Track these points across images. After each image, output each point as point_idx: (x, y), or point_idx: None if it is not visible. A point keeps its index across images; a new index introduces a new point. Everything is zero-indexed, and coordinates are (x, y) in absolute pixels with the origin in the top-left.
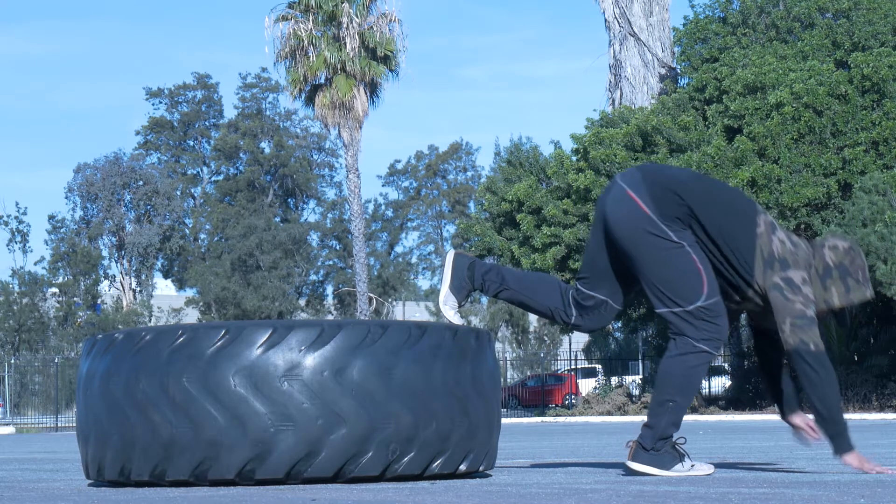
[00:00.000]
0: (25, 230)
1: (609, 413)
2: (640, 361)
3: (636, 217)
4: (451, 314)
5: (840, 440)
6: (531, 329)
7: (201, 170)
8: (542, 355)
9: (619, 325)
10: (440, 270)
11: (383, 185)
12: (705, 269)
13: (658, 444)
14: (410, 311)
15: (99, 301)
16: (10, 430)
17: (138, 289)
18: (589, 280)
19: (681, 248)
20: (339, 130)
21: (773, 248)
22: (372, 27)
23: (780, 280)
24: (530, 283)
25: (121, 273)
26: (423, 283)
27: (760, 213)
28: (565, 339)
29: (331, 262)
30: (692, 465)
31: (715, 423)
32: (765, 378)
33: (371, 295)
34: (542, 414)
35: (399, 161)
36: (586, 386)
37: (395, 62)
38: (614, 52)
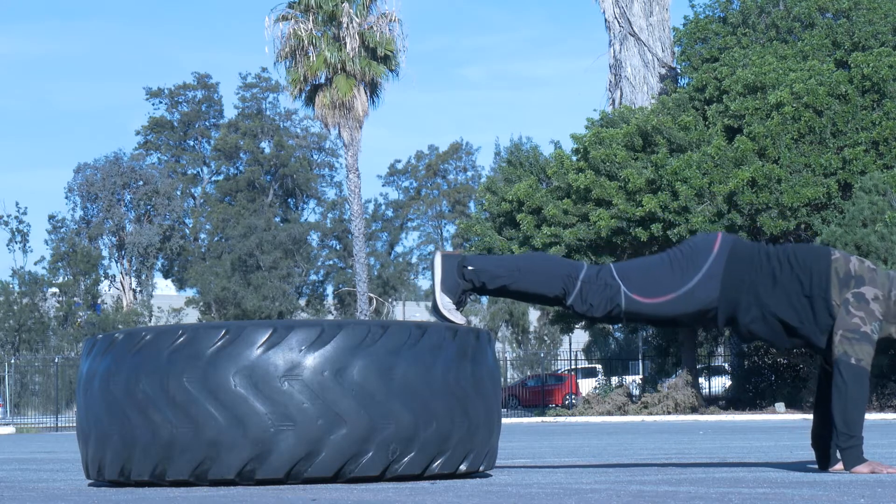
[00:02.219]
0: (25, 230)
1: (609, 413)
2: (640, 361)
3: (704, 244)
4: (449, 315)
5: (852, 453)
6: (531, 329)
7: (201, 170)
8: (542, 355)
9: (620, 324)
10: (430, 275)
11: (383, 185)
12: (670, 300)
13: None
14: (410, 311)
15: (99, 301)
16: (10, 430)
17: (138, 289)
18: (624, 267)
19: (685, 289)
20: (339, 130)
21: (849, 267)
22: (372, 27)
23: (851, 295)
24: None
25: (121, 273)
26: (424, 283)
27: (836, 249)
28: (565, 339)
29: (331, 262)
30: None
31: (715, 423)
32: (816, 416)
33: (371, 295)
34: (543, 414)
35: (399, 161)
36: (586, 386)
37: (395, 62)
38: (614, 52)
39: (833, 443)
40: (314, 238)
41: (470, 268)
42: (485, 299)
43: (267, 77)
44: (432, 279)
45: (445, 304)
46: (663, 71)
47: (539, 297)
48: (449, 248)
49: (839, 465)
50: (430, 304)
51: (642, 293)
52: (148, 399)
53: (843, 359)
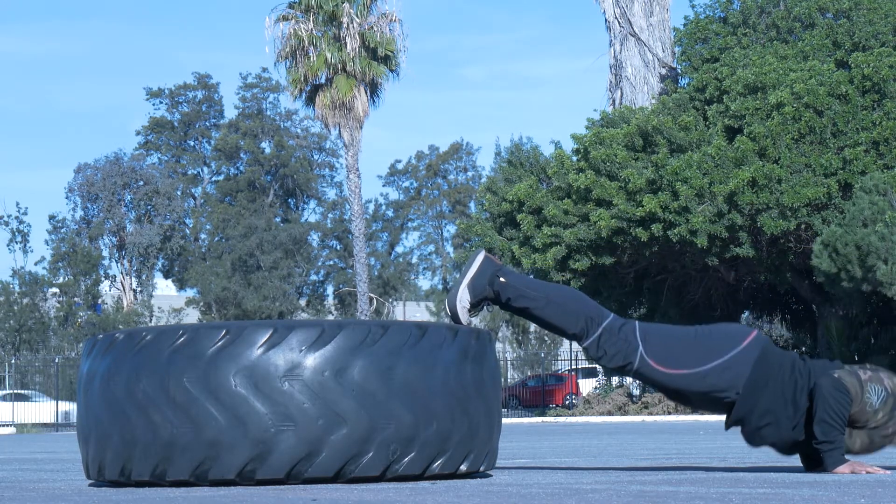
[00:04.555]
0: (26, 230)
1: (609, 413)
2: None
3: (734, 334)
4: (460, 313)
5: (832, 455)
6: (532, 329)
7: (202, 170)
8: (542, 355)
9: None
10: (464, 265)
11: (384, 186)
12: (682, 376)
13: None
14: (411, 312)
15: (99, 301)
16: (11, 430)
17: (139, 289)
18: (648, 329)
19: (698, 370)
20: (339, 130)
21: (859, 373)
22: (372, 27)
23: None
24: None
25: (121, 273)
26: (424, 283)
27: (843, 367)
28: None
29: (331, 263)
30: None
31: (715, 423)
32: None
33: (371, 295)
34: (543, 414)
35: (399, 161)
36: (587, 386)
37: (396, 62)
38: (615, 53)
39: (813, 445)
40: (314, 238)
41: (502, 279)
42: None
43: (267, 77)
44: (463, 273)
45: (463, 299)
46: (664, 71)
47: (557, 329)
48: (491, 254)
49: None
50: (448, 294)
51: (657, 360)
52: (148, 399)
53: (828, 373)
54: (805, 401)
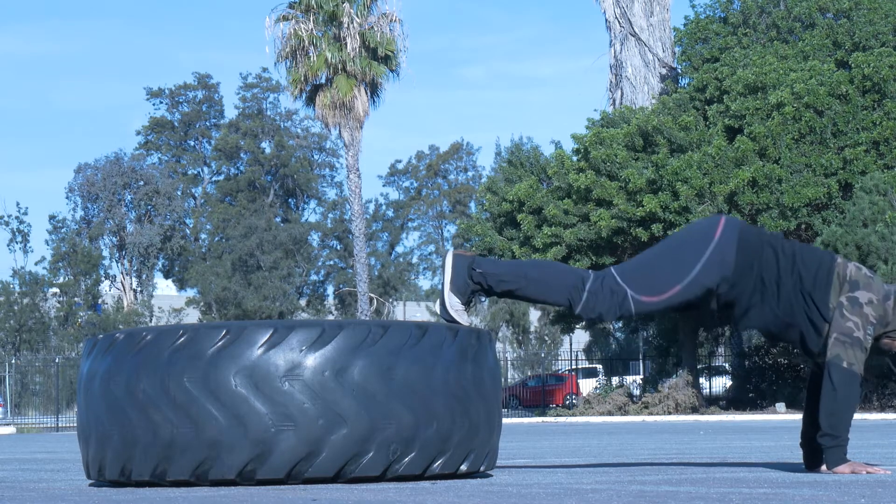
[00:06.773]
0: (26, 230)
1: (610, 413)
2: (640, 361)
3: (704, 230)
4: (456, 316)
5: (835, 453)
6: (532, 329)
7: (202, 170)
8: (542, 355)
9: (620, 325)
10: (440, 272)
11: (384, 185)
12: (677, 292)
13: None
14: (411, 312)
15: (99, 301)
16: (11, 430)
17: (139, 289)
18: (625, 270)
19: (689, 279)
20: (339, 130)
21: (847, 272)
22: (373, 27)
23: (845, 299)
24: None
25: (121, 273)
26: (424, 283)
27: (839, 255)
28: (566, 339)
29: (331, 263)
30: None
31: (715, 423)
32: (806, 416)
33: (372, 295)
34: (543, 414)
35: (400, 161)
36: (587, 386)
37: (396, 62)
38: (615, 52)
39: (818, 440)
40: (315, 238)
41: (478, 271)
42: (486, 299)
43: (267, 77)
44: (442, 278)
45: (454, 304)
46: (664, 71)
47: (546, 303)
48: (459, 249)
49: (825, 466)
50: (438, 302)
51: (649, 293)
52: (148, 399)
53: (834, 362)
54: (789, 281)
